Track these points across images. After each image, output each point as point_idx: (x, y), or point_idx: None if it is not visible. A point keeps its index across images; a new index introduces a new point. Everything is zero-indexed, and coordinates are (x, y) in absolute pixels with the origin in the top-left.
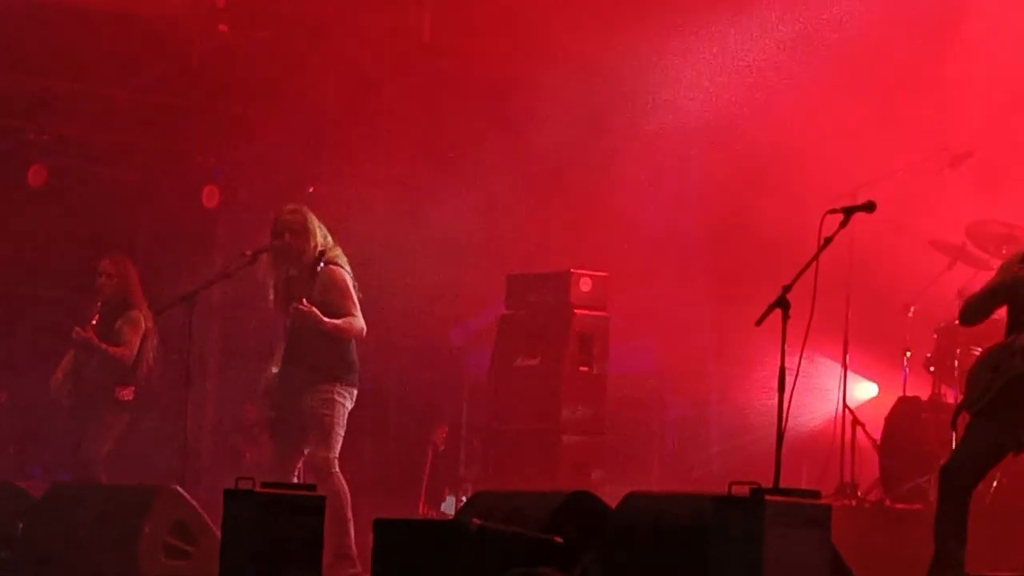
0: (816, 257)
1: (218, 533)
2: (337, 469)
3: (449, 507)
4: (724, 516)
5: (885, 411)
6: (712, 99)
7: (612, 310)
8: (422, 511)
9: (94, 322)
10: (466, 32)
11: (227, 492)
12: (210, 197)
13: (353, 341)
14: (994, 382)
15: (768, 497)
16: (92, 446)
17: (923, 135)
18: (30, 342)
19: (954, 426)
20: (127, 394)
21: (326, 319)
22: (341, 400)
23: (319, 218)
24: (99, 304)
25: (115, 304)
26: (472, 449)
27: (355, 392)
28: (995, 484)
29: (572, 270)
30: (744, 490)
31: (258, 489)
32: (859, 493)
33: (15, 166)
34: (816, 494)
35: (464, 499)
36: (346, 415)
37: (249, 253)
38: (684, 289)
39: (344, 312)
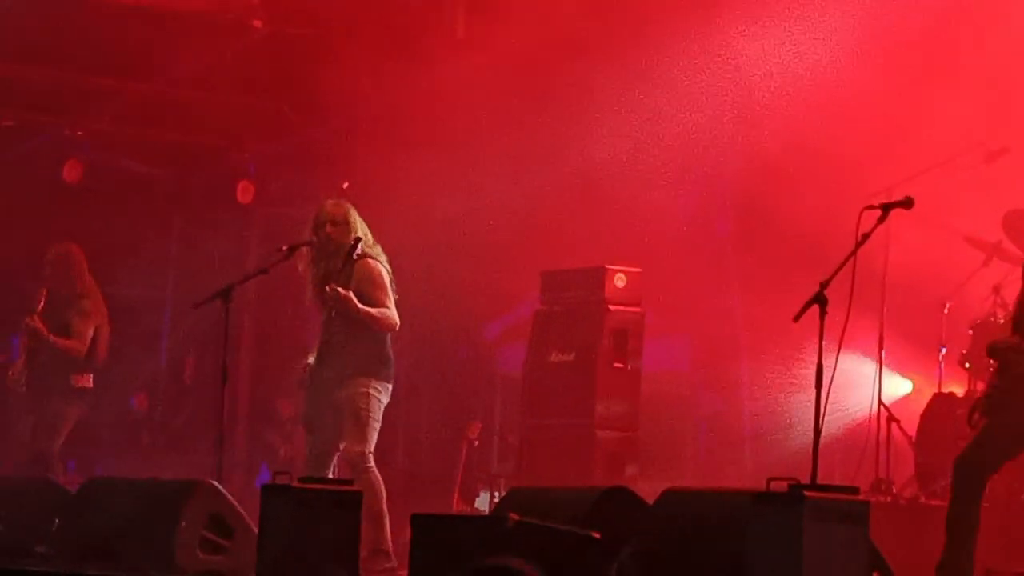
0: (853, 253)
1: (254, 528)
2: (372, 464)
3: (483, 503)
4: (762, 512)
5: (920, 408)
6: (748, 94)
7: (646, 306)
8: (456, 507)
9: (39, 308)
10: (500, 28)
11: (264, 487)
12: (245, 193)
13: (388, 337)
14: (1003, 380)
15: (806, 493)
16: (46, 437)
17: (959, 131)
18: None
19: (971, 423)
20: (84, 381)
21: (359, 305)
22: (377, 395)
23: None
24: (44, 291)
25: (64, 294)
26: (506, 445)
27: (390, 387)
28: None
29: (606, 266)
30: (782, 486)
31: (295, 484)
32: (894, 490)
33: (50, 162)
34: (854, 490)
35: (498, 495)
36: (382, 410)
37: (285, 248)
38: (718, 285)
39: (377, 304)
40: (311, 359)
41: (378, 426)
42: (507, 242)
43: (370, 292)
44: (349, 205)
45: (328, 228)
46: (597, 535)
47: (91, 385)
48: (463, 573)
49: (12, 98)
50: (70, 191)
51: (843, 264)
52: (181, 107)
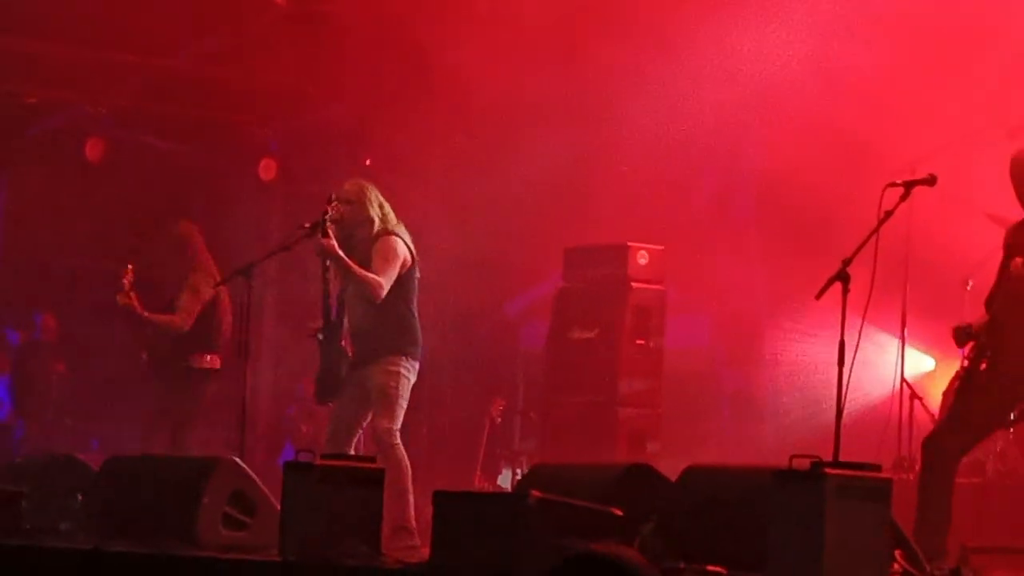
0: (876, 231)
1: (276, 504)
2: (399, 441)
3: (505, 480)
4: (784, 489)
5: (943, 385)
6: (769, 71)
7: (668, 283)
8: (478, 484)
9: (125, 285)
10: (522, 5)
11: (287, 464)
12: (267, 170)
13: (415, 312)
14: (979, 360)
15: (828, 470)
16: (184, 423)
17: (981, 107)
18: (88, 316)
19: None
20: (205, 362)
21: (344, 256)
22: (405, 373)
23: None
24: (129, 267)
25: (179, 272)
26: (528, 422)
27: (417, 365)
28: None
29: (629, 243)
30: (804, 463)
31: (317, 461)
32: (916, 467)
33: (73, 140)
34: (876, 467)
35: (520, 472)
36: (409, 387)
37: (307, 225)
38: (740, 262)
39: (374, 272)
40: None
41: (405, 404)
42: (530, 219)
43: (374, 260)
44: (365, 183)
45: (341, 208)
46: (619, 512)
47: (218, 365)
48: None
49: (34, 75)
50: (92, 168)
51: (865, 241)
52: (203, 84)
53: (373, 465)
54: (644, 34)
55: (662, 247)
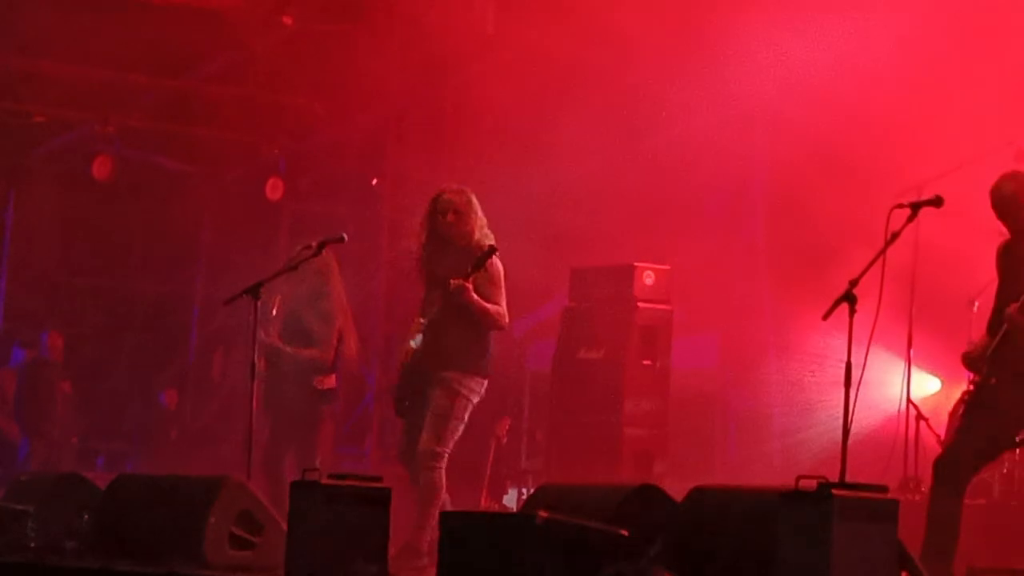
0: (883, 252)
1: (283, 524)
2: (441, 464)
3: (511, 500)
4: (791, 510)
5: (949, 406)
6: (776, 92)
7: (675, 303)
8: (484, 504)
9: (272, 315)
10: (529, 25)
11: (293, 483)
12: (274, 189)
13: (492, 333)
14: (989, 377)
15: (835, 491)
16: (293, 444)
17: (988, 129)
18: (94, 333)
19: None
20: (328, 383)
21: (477, 298)
22: (466, 392)
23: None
24: (278, 299)
25: (304, 295)
26: (534, 442)
27: (485, 384)
28: (1004, 475)
29: (635, 263)
30: (811, 484)
31: (324, 480)
32: (923, 488)
33: (80, 158)
34: (883, 489)
35: (526, 492)
36: (469, 409)
37: (314, 244)
38: (747, 283)
39: (492, 301)
40: (413, 342)
41: (461, 426)
42: (537, 239)
43: (487, 289)
44: (470, 192)
45: (450, 217)
46: (626, 532)
47: (335, 385)
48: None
49: (43, 94)
50: (100, 187)
51: (872, 262)
52: (211, 104)
53: (380, 484)
54: (652, 56)
55: (668, 267)
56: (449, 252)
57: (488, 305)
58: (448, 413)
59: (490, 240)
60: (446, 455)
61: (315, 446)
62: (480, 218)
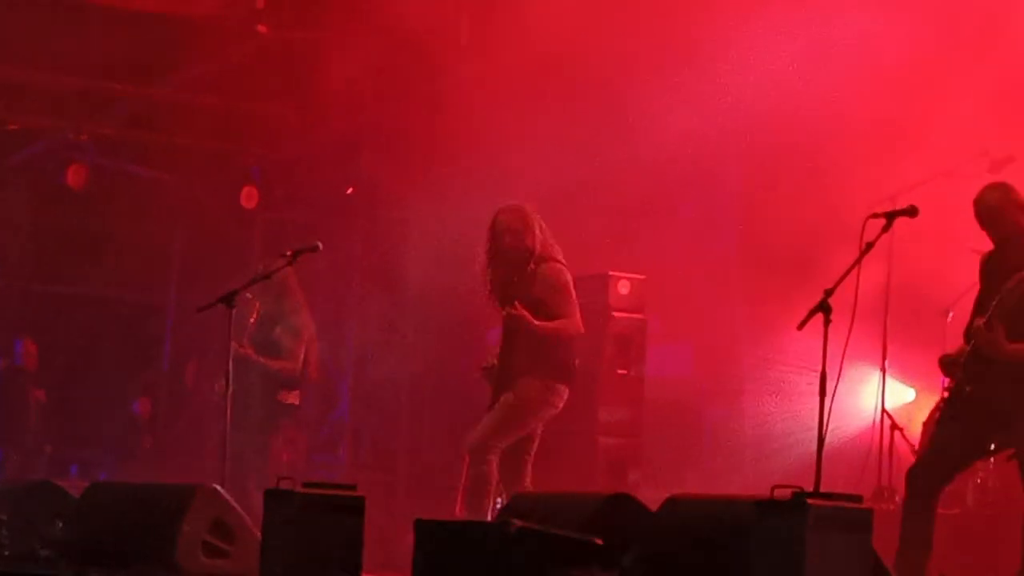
0: (858, 262)
1: (257, 532)
2: (493, 457)
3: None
4: (766, 520)
5: (923, 415)
6: (752, 101)
7: (649, 312)
8: (458, 513)
9: (251, 323)
10: (503, 35)
11: (267, 492)
12: (249, 198)
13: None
14: (964, 385)
15: (810, 501)
16: (255, 457)
17: (964, 140)
18: (68, 341)
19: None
20: (292, 398)
21: (536, 322)
22: (540, 398)
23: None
24: (257, 306)
25: (273, 311)
26: None
27: (565, 392)
28: (977, 484)
29: (610, 272)
30: (786, 493)
31: (298, 489)
32: (897, 498)
33: (54, 166)
34: (858, 498)
35: (500, 501)
36: (540, 414)
37: (289, 254)
38: (722, 292)
39: (559, 313)
40: (493, 357)
41: (523, 429)
42: None
43: (551, 298)
44: (526, 208)
45: (506, 239)
46: (600, 542)
47: (298, 402)
48: None
49: (16, 103)
50: (74, 195)
51: (847, 272)
52: (186, 112)
53: (354, 492)
54: (625, 65)
55: (643, 276)
56: (513, 270)
57: (550, 324)
58: (512, 412)
59: (555, 252)
60: (497, 449)
61: (267, 459)
62: (540, 233)
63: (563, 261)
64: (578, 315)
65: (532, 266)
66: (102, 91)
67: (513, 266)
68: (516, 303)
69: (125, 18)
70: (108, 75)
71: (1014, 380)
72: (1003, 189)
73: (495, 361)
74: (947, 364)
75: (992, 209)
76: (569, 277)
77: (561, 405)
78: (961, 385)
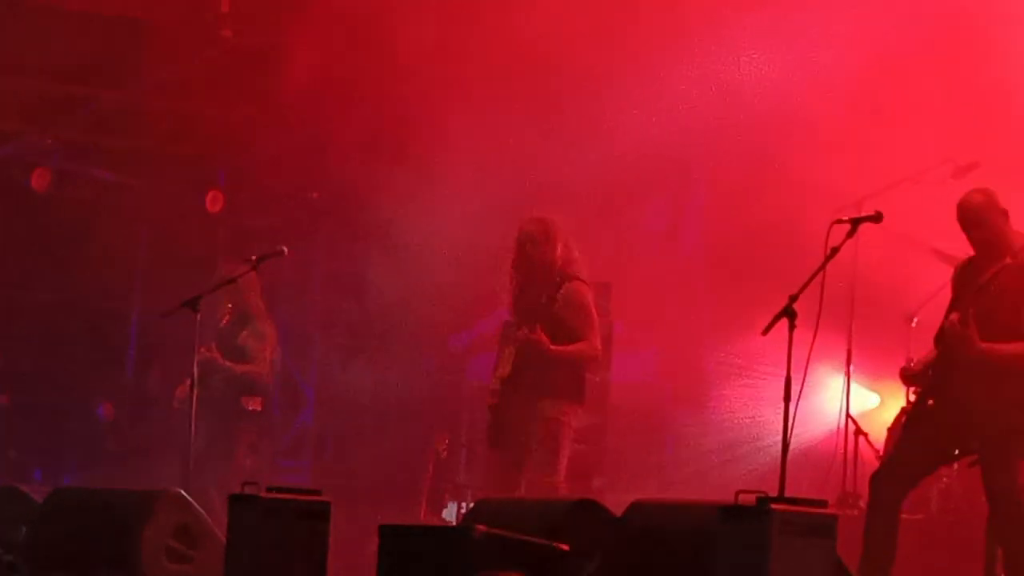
0: (823, 267)
1: (221, 537)
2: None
3: (450, 514)
4: (730, 525)
5: (887, 421)
6: (715, 107)
7: (614, 318)
8: (423, 518)
9: (223, 324)
10: (470, 38)
11: (231, 497)
12: (214, 202)
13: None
14: (926, 397)
15: (774, 506)
16: (218, 462)
17: (928, 146)
18: (31, 345)
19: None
20: (255, 404)
21: (552, 348)
22: (567, 420)
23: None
24: (230, 307)
25: (239, 315)
26: (474, 455)
27: (580, 412)
28: (941, 490)
29: None
30: (750, 499)
31: (262, 494)
32: (861, 503)
33: (18, 170)
34: (822, 503)
35: (465, 506)
36: (571, 435)
37: (254, 258)
38: (687, 298)
39: (579, 335)
40: (501, 369)
41: (568, 452)
42: (476, 253)
43: (572, 320)
44: (551, 220)
45: (528, 248)
46: (565, 547)
47: (261, 408)
48: None
49: None
50: (38, 199)
51: (812, 278)
52: (151, 116)
53: (319, 498)
54: (589, 70)
55: (607, 282)
56: (537, 285)
57: (568, 348)
58: (556, 446)
59: (579, 270)
60: (562, 482)
61: (230, 463)
62: (564, 246)
63: (585, 279)
64: (597, 337)
65: (556, 284)
66: (66, 95)
67: (536, 279)
68: (538, 328)
69: (89, 22)
70: (72, 79)
71: (981, 383)
72: (987, 194)
73: (502, 376)
74: (909, 376)
75: (976, 211)
76: (591, 296)
77: (576, 425)
78: (927, 389)
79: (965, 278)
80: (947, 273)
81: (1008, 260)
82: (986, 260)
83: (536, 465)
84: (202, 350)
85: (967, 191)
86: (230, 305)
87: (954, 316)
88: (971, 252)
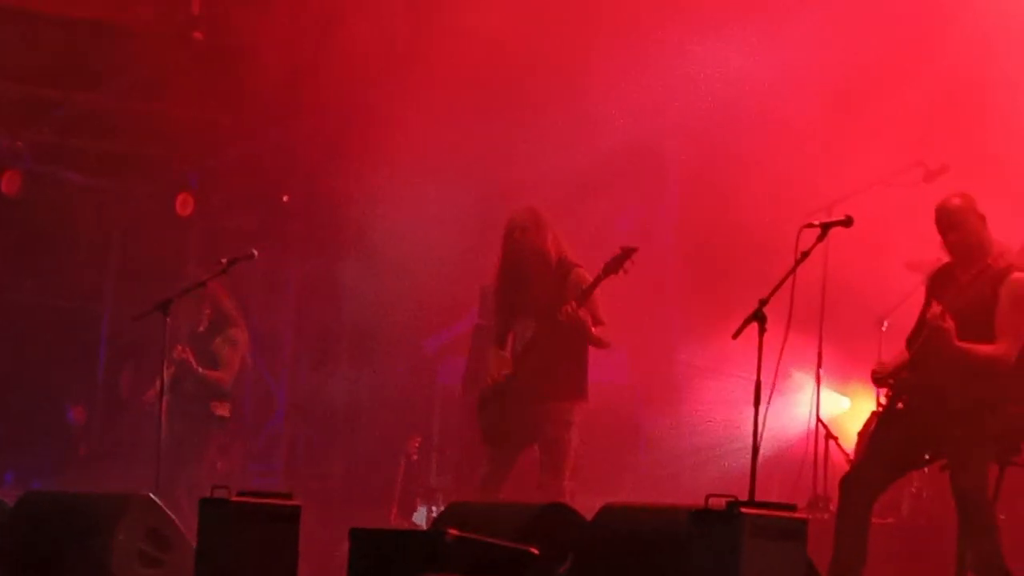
0: (793, 271)
1: (192, 541)
2: (569, 496)
3: (421, 517)
4: (701, 528)
5: (858, 425)
6: (689, 109)
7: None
8: (393, 521)
9: (201, 329)
10: (439, 42)
11: (202, 500)
12: (184, 205)
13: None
14: (896, 400)
15: (744, 510)
16: (185, 466)
17: (898, 150)
18: (2, 349)
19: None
20: (223, 410)
21: (593, 330)
22: (575, 420)
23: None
24: (209, 311)
25: (214, 320)
26: (445, 459)
27: (585, 406)
28: (912, 494)
29: None
30: (720, 502)
31: (233, 498)
32: (832, 507)
33: None
34: (792, 507)
35: (436, 509)
36: (578, 434)
37: (225, 261)
38: (658, 300)
39: (598, 317)
40: (504, 368)
41: (574, 453)
42: (447, 256)
43: (590, 306)
44: (539, 210)
45: (517, 235)
46: (535, 550)
47: (228, 414)
48: None
49: None
50: (9, 202)
51: (782, 282)
52: (122, 119)
53: (289, 502)
54: (562, 70)
55: None
56: (531, 276)
57: (594, 331)
58: (566, 448)
59: (574, 258)
60: (570, 484)
61: (199, 467)
62: (554, 235)
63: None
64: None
65: (558, 273)
66: (37, 97)
67: (530, 269)
68: (572, 304)
69: (60, 24)
70: (43, 81)
71: (953, 382)
72: (966, 198)
73: (504, 374)
74: (879, 378)
75: (954, 213)
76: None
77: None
78: (898, 393)
79: (942, 282)
80: (918, 277)
81: (988, 263)
82: (964, 264)
83: (546, 468)
84: (178, 348)
85: (946, 195)
86: (208, 311)
87: (936, 308)
88: (943, 260)
